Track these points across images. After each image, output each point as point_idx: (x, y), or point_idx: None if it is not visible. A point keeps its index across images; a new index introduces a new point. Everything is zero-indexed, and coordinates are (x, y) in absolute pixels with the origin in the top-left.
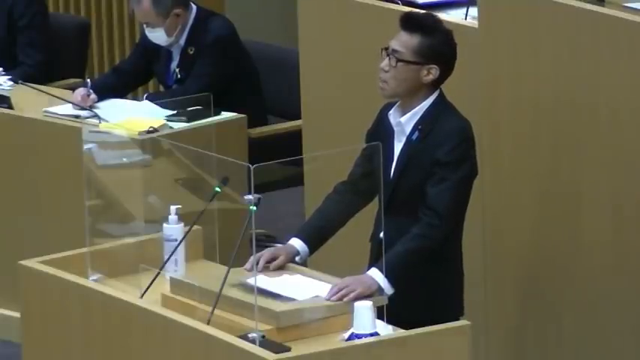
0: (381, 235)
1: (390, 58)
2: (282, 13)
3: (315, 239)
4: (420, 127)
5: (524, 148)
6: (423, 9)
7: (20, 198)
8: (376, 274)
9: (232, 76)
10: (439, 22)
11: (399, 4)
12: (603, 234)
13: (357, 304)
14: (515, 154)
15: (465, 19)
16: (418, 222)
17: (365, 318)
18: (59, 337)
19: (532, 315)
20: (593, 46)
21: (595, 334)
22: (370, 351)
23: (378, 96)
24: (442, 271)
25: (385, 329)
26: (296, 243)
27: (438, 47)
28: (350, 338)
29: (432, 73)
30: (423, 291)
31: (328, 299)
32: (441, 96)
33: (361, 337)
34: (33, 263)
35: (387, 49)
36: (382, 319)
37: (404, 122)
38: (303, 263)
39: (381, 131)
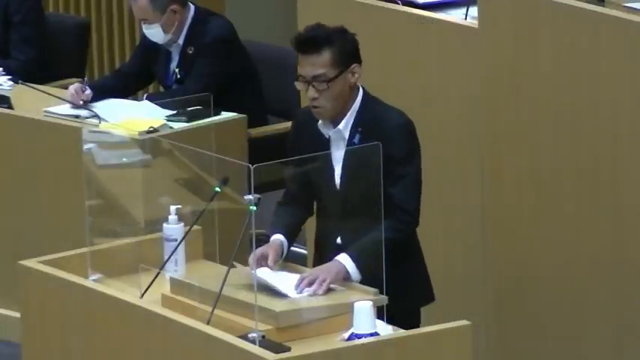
0: (338, 240)
1: (314, 86)
2: (282, 13)
3: (290, 235)
4: (359, 128)
5: (524, 148)
6: (423, 9)
7: (20, 198)
8: (345, 260)
9: (232, 76)
10: (323, 26)
11: (399, 4)
12: (604, 234)
13: (357, 304)
14: (515, 154)
15: (465, 19)
16: (388, 218)
17: (365, 318)
18: (59, 337)
19: (532, 315)
20: (593, 46)
21: (596, 334)
22: (370, 351)
23: (378, 96)
24: (409, 261)
25: (385, 329)
26: (280, 237)
27: (347, 47)
28: (350, 338)
29: (355, 71)
30: (393, 281)
31: (300, 292)
32: (365, 92)
33: (361, 337)
34: (33, 263)
35: (296, 79)
36: (382, 319)
37: (342, 129)
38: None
39: (311, 142)
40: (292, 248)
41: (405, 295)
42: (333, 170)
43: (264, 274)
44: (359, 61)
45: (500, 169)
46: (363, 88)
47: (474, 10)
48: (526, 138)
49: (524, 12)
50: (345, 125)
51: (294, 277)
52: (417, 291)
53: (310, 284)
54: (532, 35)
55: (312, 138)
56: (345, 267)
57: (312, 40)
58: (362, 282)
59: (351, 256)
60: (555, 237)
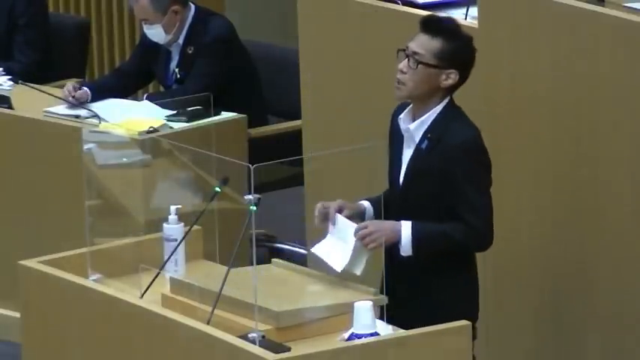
0: None
1: (409, 60)
2: (282, 13)
3: (378, 204)
4: (429, 135)
5: (525, 148)
6: (423, 9)
7: (20, 198)
8: (405, 228)
9: (232, 76)
10: (460, 27)
11: (399, 4)
12: (604, 233)
13: (357, 304)
14: (515, 154)
15: (465, 19)
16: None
17: (365, 318)
18: (59, 337)
19: (532, 315)
20: (593, 46)
21: (596, 333)
22: (370, 351)
23: (379, 96)
24: (462, 278)
25: (385, 329)
26: (363, 202)
27: (460, 53)
28: (350, 338)
29: (451, 77)
30: (443, 299)
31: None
32: (451, 102)
33: (361, 337)
34: (33, 263)
35: (403, 50)
36: (382, 319)
37: (413, 129)
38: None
39: (395, 134)
40: (292, 248)
41: (447, 308)
42: (400, 167)
43: (321, 248)
44: (463, 75)
45: (501, 169)
46: (451, 99)
47: (474, 10)
48: (526, 138)
49: (524, 12)
50: (417, 127)
51: (352, 227)
52: (459, 306)
53: (366, 235)
54: (532, 35)
55: (396, 132)
56: (400, 233)
57: (436, 24)
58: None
59: (412, 230)
60: (555, 236)
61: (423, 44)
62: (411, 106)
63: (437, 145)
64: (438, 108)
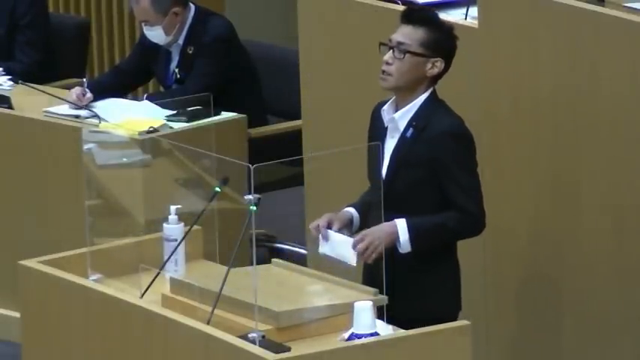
0: None
1: (394, 51)
2: (282, 13)
3: (363, 210)
4: (414, 123)
5: (524, 148)
6: None
7: (20, 198)
8: (401, 226)
9: (231, 76)
10: (439, 17)
11: (399, 4)
12: (603, 233)
13: (357, 304)
14: (515, 154)
15: (465, 19)
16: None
17: (365, 318)
18: (59, 337)
19: (532, 314)
20: (593, 46)
21: (595, 332)
22: (370, 351)
23: (379, 96)
24: (443, 267)
25: (385, 329)
26: (349, 209)
27: (443, 41)
28: (350, 338)
29: (436, 66)
30: (424, 288)
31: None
32: (434, 93)
33: (361, 337)
34: (33, 263)
35: (384, 44)
36: (382, 319)
37: (397, 118)
38: (357, 230)
39: (376, 130)
40: (292, 248)
41: (431, 303)
42: (382, 160)
43: (326, 248)
44: (447, 63)
45: (501, 168)
46: (434, 89)
47: (474, 10)
48: (526, 138)
49: (524, 12)
50: (402, 116)
51: (348, 242)
52: (441, 300)
53: (364, 249)
54: (532, 35)
55: (378, 126)
56: (397, 232)
57: (418, 14)
58: (365, 282)
59: (408, 226)
60: (555, 236)
61: (408, 34)
62: (394, 97)
63: (422, 133)
64: (423, 97)
